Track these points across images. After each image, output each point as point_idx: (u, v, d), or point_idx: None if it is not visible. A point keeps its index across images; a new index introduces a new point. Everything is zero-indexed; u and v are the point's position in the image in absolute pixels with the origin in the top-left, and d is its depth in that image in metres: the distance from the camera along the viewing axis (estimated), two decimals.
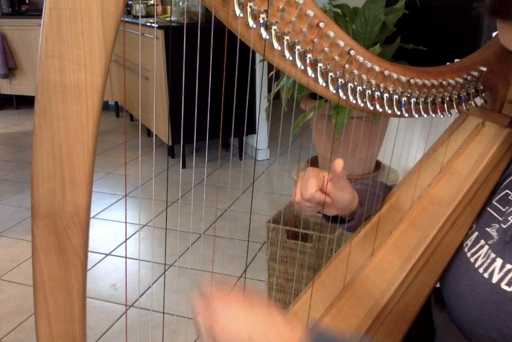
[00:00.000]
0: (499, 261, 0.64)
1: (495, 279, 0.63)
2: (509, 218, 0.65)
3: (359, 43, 0.66)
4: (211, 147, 3.45)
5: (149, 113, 3.33)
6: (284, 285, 1.85)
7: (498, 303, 0.61)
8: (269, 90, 3.04)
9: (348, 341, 0.53)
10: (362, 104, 0.69)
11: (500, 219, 0.68)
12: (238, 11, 0.57)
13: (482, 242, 0.69)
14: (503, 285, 0.62)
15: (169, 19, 3.54)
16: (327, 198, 0.79)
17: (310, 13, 0.59)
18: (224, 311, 0.53)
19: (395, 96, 0.71)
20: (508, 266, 0.62)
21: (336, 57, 0.65)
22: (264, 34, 0.59)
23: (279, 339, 0.52)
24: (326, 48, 0.63)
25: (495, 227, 0.68)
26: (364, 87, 0.69)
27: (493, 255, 0.65)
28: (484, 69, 0.74)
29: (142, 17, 3.72)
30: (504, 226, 0.65)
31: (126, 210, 2.85)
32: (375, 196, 0.86)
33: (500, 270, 0.63)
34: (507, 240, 0.63)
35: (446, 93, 0.75)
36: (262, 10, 0.58)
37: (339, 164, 0.76)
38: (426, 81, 0.72)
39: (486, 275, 0.65)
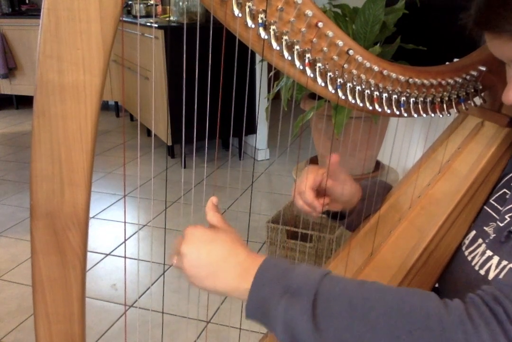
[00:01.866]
0: (495, 258, 0.64)
1: (491, 275, 0.63)
2: (506, 217, 0.65)
3: (359, 43, 0.66)
4: (211, 147, 3.45)
5: (149, 113, 3.33)
6: None
7: None
8: (269, 90, 3.04)
9: (295, 267, 0.54)
10: (361, 104, 0.69)
11: (497, 217, 0.68)
12: (236, 11, 0.57)
13: (480, 240, 0.69)
14: None
15: (168, 19, 3.54)
16: (325, 199, 0.80)
17: (309, 13, 0.59)
18: (190, 237, 0.57)
19: (394, 96, 0.71)
20: (504, 262, 0.62)
21: (335, 57, 0.65)
22: (262, 34, 0.59)
23: (238, 265, 0.55)
24: (325, 48, 0.63)
25: (493, 225, 0.68)
26: (363, 87, 0.69)
27: (490, 253, 0.65)
28: (483, 68, 0.74)
29: (142, 17, 3.72)
30: (501, 224, 0.66)
31: (125, 210, 2.85)
32: (375, 193, 0.86)
33: (496, 266, 0.63)
34: (503, 240, 0.63)
35: (445, 93, 0.75)
36: (260, 10, 0.58)
37: (334, 158, 0.78)
38: (425, 81, 0.72)
39: (482, 272, 0.65)
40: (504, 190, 0.71)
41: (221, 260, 0.55)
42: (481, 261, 0.66)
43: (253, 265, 0.54)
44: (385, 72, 0.68)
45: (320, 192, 0.82)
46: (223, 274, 0.55)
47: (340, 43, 0.63)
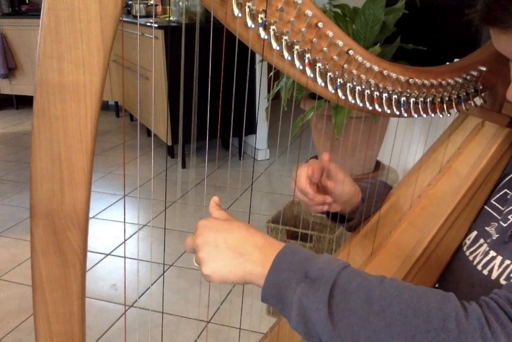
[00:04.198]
0: (498, 258, 0.64)
1: (494, 275, 0.63)
2: (509, 217, 0.65)
3: (359, 43, 0.66)
4: (211, 147, 3.45)
5: (148, 113, 3.33)
6: None
7: None
8: (269, 90, 3.04)
9: (314, 256, 0.54)
10: (361, 104, 0.69)
11: (499, 217, 0.68)
12: (236, 11, 0.56)
13: (481, 240, 0.69)
14: (502, 281, 0.62)
15: (168, 19, 3.54)
16: (326, 197, 0.80)
17: (309, 13, 0.59)
18: (204, 229, 0.57)
19: (394, 96, 0.71)
20: (507, 262, 0.62)
21: (335, 57, 0.65)
22: (262, 34, 0.59)
23: (257, 249, 0.55)
24: (325, 48, 0.63)
25: (494, 225, 0.68)
26: (363, 87, 0.69)
27: (493, 253, 0.65)
28: (484, 69, 0.74)
29: (142, 17, 3.72)
30: (504, 225, 0.66)
31: (125, 210, 2.85)
32: (377, 194, 0.86)
33: (499, 266, 0.63)
34: (506, 240, 0.63)
35: (445, 93, 0.75)
36: (260, 10, 0.58)
37: (325, 156, 0.79)
38: (425, 81, 0.72)
39: (485, 272, 0.65)
40: (505, 190, 0.71)
41: (238, 245, 0.55)
42: (483, 261, 0.66)
43: (272, 250, 0.54)
44: (385, 72, 0.68)
45: (319, 188, 0.82)
46: (241, 258, 0.54)
47: (340, 43, 0.63)
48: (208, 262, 0.55)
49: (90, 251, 2.17)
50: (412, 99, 0.72)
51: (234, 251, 0.55)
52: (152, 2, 3.80)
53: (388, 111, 0.71)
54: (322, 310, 0.48)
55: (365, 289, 0.49)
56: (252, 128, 3.31)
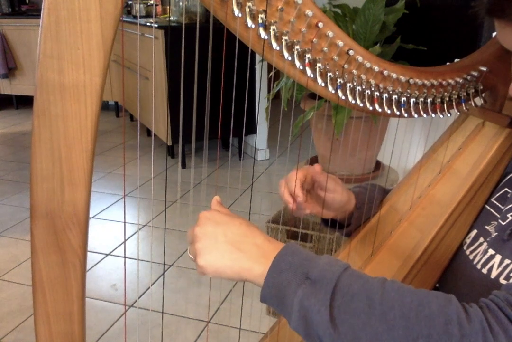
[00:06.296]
0: (498, 257, 0.64)
1: (493, 274, 0.63)
2: (508, 215, 0.65)
3: (359, 43, 0.66)
4: (211, 147, 3.45)
5: (148, 113, 3.33)
6: None
7: None
8: (269, 90, 3.04)
9: (315, 257, 0.53)
10: (361, 104, 0.69)
11: (499, 216, 0.68)
12: (236, 11, 0.56)
13: (481, 239, 0.69)
14: (501, 280, 0.62)
15: (169, 19, 3.54)
16: (299, 195, 0.78)
17: (309, 13, 0.59)
18: (205, 220, 0.57)
19: (395, 96, 0.71)
20: (506, 261, 0.62)
21: (335, 57, 0.65)
22: (263, 34, 0.59)
23: (255, 246, 0.54)
24: (325, 48, 0.63)
25: (494, 224, 0.68)
26: (364, 87, 0.69)
27: (492, 251, 0.65)
28: (484, 69, 0.74)
29: (142, 17, 3.72)
30: (503, 223, 0.66)
31: (125, 210, 2.85)
32: (373, 200, 0.86)
33: (499, 265, 0.63)
34: (505, 238, 0.63)
35: (446, 93, 0.75)
36: (260, 10, 0.58)
37: (316, 168, 0.78)
38: (425, 81, 0.72)
39: (484, 271, 0.65)
40: (506, 189, 0.71)
41: (237, 240, 0.54)
42: (483, 259, 0.66)
43: (271, 249, 0.53)
44: (385, 72, 0.68)
45: (311, 197, 0.82)
46: (239, 254, 0.54)
47: (340, 43, 0.63)
48: (204, 253, 0.54)
49: (90, 251, 2.17)
50: (412, 100, 0.72)
51: (233, 245, 0.54)
52: (152, 2, 3.80)
53: (389, 111, 0.71)
54: (324, 312, 0.48)
55: (367, 291, 0.49)
56: (252, 128, 3.31)
